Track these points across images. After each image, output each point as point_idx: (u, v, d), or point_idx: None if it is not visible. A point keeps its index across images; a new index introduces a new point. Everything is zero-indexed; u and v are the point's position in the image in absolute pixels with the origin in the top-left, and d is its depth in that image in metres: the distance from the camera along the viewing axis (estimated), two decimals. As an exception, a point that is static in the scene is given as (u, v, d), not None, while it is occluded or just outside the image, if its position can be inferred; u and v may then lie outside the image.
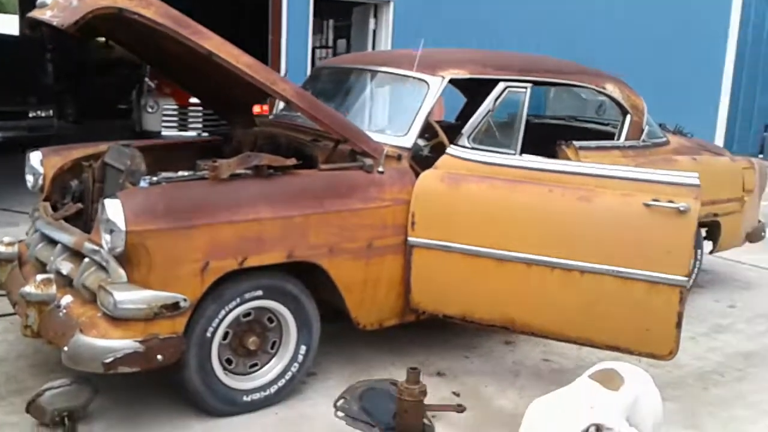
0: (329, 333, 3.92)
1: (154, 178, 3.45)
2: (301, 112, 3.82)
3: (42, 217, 3.90)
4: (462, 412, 1.88)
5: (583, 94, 7.08)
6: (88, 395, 3.34)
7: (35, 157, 4.21)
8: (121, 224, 3.09)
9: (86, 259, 3.35)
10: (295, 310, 3.61)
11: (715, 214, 5.36)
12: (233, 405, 3.51)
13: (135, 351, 3.11)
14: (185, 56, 3.58)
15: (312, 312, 3.67)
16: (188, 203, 3.25)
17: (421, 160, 4.11)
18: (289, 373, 3.66)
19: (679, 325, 3.53)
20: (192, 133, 10.00)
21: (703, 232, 5.64)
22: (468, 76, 4.34)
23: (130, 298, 3.10)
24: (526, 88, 4.13)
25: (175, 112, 10.18)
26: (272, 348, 3.65)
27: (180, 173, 3.57)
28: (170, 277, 3.17)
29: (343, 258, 3.62)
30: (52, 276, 3.36)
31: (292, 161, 3.53)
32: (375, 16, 9.65)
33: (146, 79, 10.55)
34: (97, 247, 3.28)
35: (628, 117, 4.80)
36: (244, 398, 3.53)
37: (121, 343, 3.10)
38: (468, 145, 3.99)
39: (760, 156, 11.31)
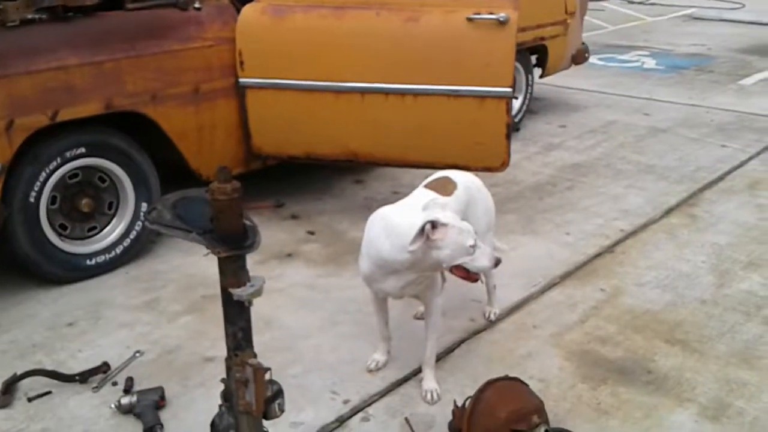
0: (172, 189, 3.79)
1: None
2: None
3: None
4: (280, 207, 1.87)
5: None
6: None
7: None
8: None
9: None
10: (127, 166, 3.42)
11: (542, 38, 5.57)
12: (77, 270, 3.37)
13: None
14: None
15: (147, 167, 3.50)
16: (-25, 56, 2.90)
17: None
18: (134, 233, 3.53)
19: (508, 136, 3.70)
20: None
21: (533, 59, 5.88)
22: None
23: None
24: None
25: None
26: (110, 209, 3.49)
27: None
28: (-29, 140, 2.87)
29: (170, 105, 3.42)
30: None
31: (93, 0, 3.20)
32: None
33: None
34: None
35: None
36: (88, 262, 3.39)
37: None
38: (290, -25, 3.80)
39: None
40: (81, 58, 3.10)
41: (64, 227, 3.35)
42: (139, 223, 3.53)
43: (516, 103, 5.67)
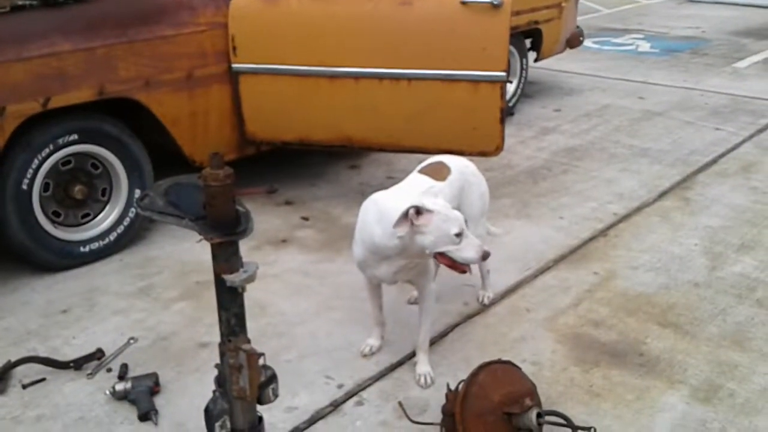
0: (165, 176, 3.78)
1: None
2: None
3: None
4: (273, 192, 1.86)
5: None
6: None
7: None
8: None
9: None
10: (120, 152, 3.41)
11: (536, 22, 5.55)
12: (71, 257, 3.36)
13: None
14: None
15: (140, 153, 3.49)
16: (-33, 42, 2.88)
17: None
18: (128, 219, 3.53)
19: (502, 120, 3.69)
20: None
21: (528, 43, 5.86)
22: None
23: None
24: None
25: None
26: (103, 195, 3.48)
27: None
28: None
29: (163, 91, 3.41)
30: None
31: (84, -14, 3.18)
32: None
33: None
34: None
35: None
36: (82, 249, 3.38)
37: None
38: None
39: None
40: (73, 44, 3.08)
41: (57, 214, 3.34)
42: (133, 209, 3.52)
43: (511, 88, 5.66)
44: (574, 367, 2.67)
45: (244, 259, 1.73)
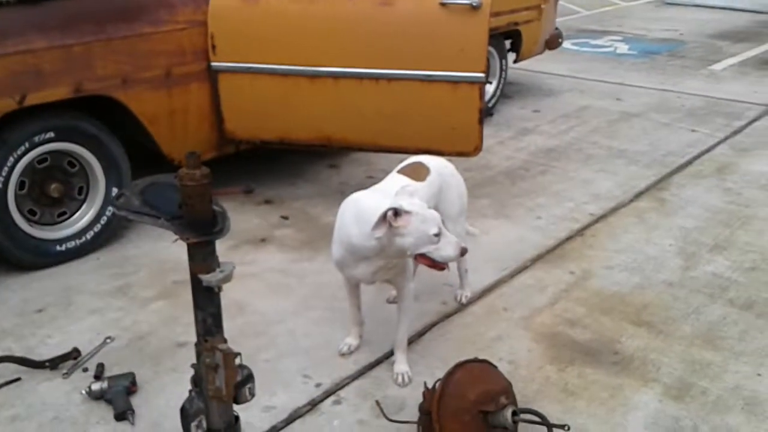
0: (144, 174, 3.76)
1: None
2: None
3: None
4: (250, 192, 1.86)
5: None
6: None
7: None
8: None
9: None
10: (97, 150, 3.39)
11: (516, 23, 5.59)
12: (47, 256, 3.34)
13: None
14: None
15: (117, 151, 3.47)
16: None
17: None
18: (104, 218, 3.50)
19: (481, 121, 3.72)
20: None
21: (507, 44, 5.90)
22: None
23: None
24: None
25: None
26: (80, 194, 3.45)
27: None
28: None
29: (141, 89, 3.39)
30: None
31: (62, -18, 3.15)
32: None
33: None
34: None
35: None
36: (58, 248, 3.36)
37: None
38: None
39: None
40: (49, 41, 3.05)
41: (33, 213, 3.31)
42: (110, 208, 3.49)
43: (490, 88, 5.69)
44: (549, 365, 2.71)
45: (223, 259, 1.74)
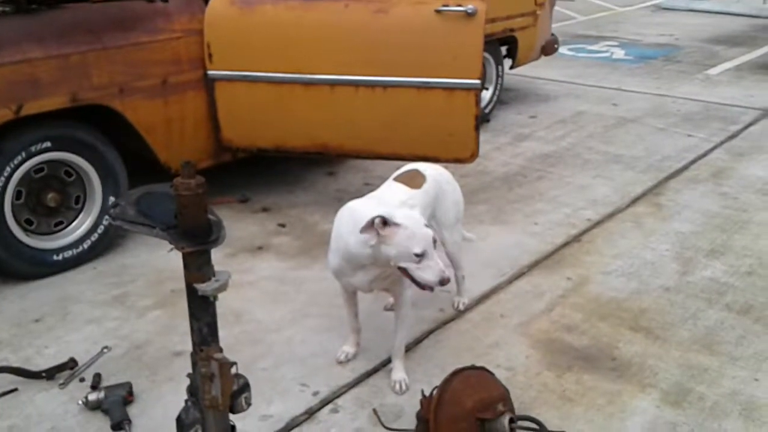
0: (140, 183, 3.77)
1: None
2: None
3: None
4: (245, 202, 1.87)
5: None
6: None
7: None
8: None
9: None
10: (94, 160, 3.39)
11: (512, 30, 5.61)
12: (44, 266, 3.33)
13: None
14: None
15: (114, 160, 3.47)
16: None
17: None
18: (101, 227, 3.50)
19: (477, 127, 3.73)
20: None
21: (503, 50, 5.92)
22: None
23: None
24: None
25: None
26: (77, 203, 3.45)
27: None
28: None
29: (137, 98, 3.39)
30: None
31: (57, -7, 3.16)
32: None
33: None
34: None
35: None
36: (55, 257, 3.35)
37: None
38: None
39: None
40: (46, 50, 3.05)
41: (30, 222, 3.31)
42: (107, 217, 3.49)
43: (486, 94, 5.71)
44: (547, 372, 2.70)
45: (220, 267, 1.73)
